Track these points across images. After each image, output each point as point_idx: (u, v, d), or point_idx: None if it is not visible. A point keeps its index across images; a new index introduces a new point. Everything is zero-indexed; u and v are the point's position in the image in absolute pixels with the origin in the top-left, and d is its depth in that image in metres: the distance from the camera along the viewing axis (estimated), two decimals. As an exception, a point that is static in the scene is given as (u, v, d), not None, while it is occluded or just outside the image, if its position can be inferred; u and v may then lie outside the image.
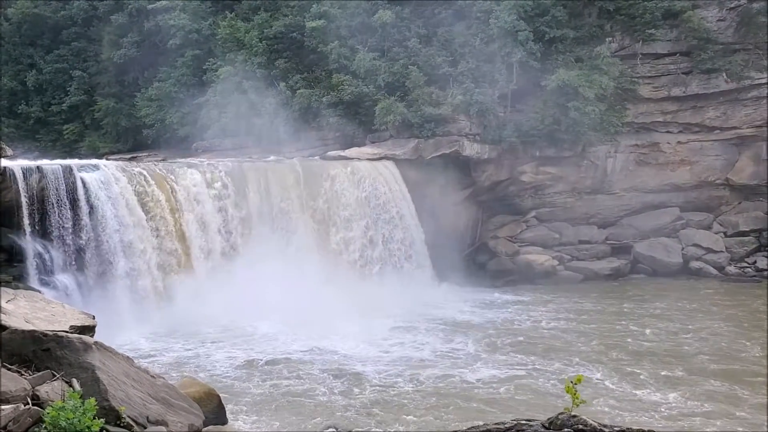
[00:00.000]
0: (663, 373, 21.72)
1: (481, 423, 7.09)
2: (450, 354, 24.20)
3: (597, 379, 21.25)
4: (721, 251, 37.79)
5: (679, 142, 39.59)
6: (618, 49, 39.23)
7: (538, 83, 37.72)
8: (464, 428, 6.93)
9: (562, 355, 23.90)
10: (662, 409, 18.72)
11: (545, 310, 30.70)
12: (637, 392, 20.10)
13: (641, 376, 21.53)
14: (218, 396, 16.92)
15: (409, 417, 18.34)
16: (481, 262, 38.04)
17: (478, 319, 29.39)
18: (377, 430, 17.39)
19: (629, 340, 25.82)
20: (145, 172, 28.86)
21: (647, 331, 26.97)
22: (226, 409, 17.07)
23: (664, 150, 39.57)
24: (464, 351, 24.52)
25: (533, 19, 38.37)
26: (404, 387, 20.67)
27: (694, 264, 37.62)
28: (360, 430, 17.26)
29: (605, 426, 6.39)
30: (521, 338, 26.25)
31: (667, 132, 39.74)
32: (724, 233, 38.80)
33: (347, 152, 36.91)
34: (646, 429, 6.71)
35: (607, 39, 39.16)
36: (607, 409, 18.38)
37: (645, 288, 35.32)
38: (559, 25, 38.69)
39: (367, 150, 37.31)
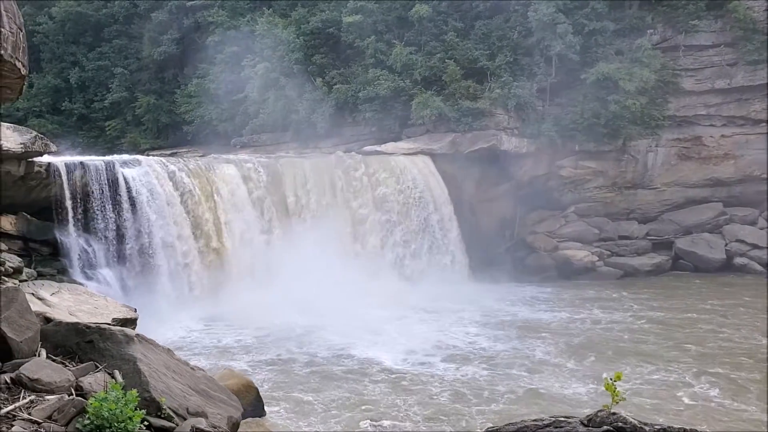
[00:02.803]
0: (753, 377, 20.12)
1: (518, 420, 7.01)
2: (518, 357, 22.68)
3: (707, 394, 19.17)
4: (767, 247, 36.84)
5: (722, 136, 38.68)
6: (660, 41, 38.47)
7: (578, 76, 37.26)
8: (502, 425, 6.86)
9: (646, 359, 22.26)
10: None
11: (602, 308, 29.55)
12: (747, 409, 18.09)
13: (743, 386, 19.67)
14: (256, 389, 17.09)
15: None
16: (519, 257, 37.63)
17: (529, 315, 28.69)
18: (410, 426, 17.33)
19: (711, 344, 24.04)
20: (184, 168, 29.24)
21: (734, 334, 25.20)
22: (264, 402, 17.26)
23: (707, 144, 38.71)
24: (530, 352, 23.24)
25: (572, 11, 37.87)
26: (465, 395, 19.25)
27: (738, 260, 36.74)
28: (396, 423, 17.24)
29: (645, 424, 6.26)
30: (592, 340, 24.74)
31: (711, 125, 38.86)
32: (770, 229, 37.82)
33: (383, 147, 36.91)
34: (688, 428, 6.57)
35: (648, 31, 38.44)
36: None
37: (695, 284, 34.24)
38: (599, 17, 38.12)
39: (404, 145, 37.26)
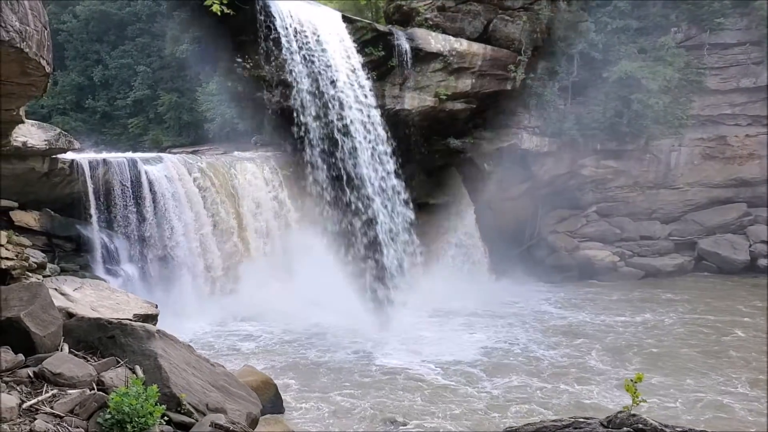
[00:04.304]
0: None
1: (538, 420, 6.97)
2: (564, 366, 21.64)
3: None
4: (792, 249, 36.27)
5: (747, 135, 38.13)
6: (684, 39, 37.98)
7: (600, 75, 36.87)
8: (521, 425, 6.83)
9: (696, 367, 20.91)
10: None
11: (644, 311, 28.48)
12: None
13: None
14: (275, 385, 17.18)
15: None
16: (539, 257, 37.41)
17: (570, 319, 27.78)
18: (432, 424, 17.29)
19: (756, 350, 22.82)
20: (205, 165, 29.43)
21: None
22: (284, 399, 17.31)
23: (732, 143, 38.19)
24: (584, 360, 22.17)
25: (595, 9, 37.53)
26: (508, 407, 18.24)
27: (762, 262, 36.19)
28: (416, 423, 17.21)
29: (666, 426, 6.20)
30: (640, 347, 23.38)
31: (735, 125, 38.33)
32: (796, 230, 37.23)
33: (404, 145, 36.77)
34: (709, 431, 6.49)
35: (672, 29, 37.94)
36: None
37: (726, 286, 33.34)
38: (622, 15, 37.70)
39: (424, 143, 37.10)
